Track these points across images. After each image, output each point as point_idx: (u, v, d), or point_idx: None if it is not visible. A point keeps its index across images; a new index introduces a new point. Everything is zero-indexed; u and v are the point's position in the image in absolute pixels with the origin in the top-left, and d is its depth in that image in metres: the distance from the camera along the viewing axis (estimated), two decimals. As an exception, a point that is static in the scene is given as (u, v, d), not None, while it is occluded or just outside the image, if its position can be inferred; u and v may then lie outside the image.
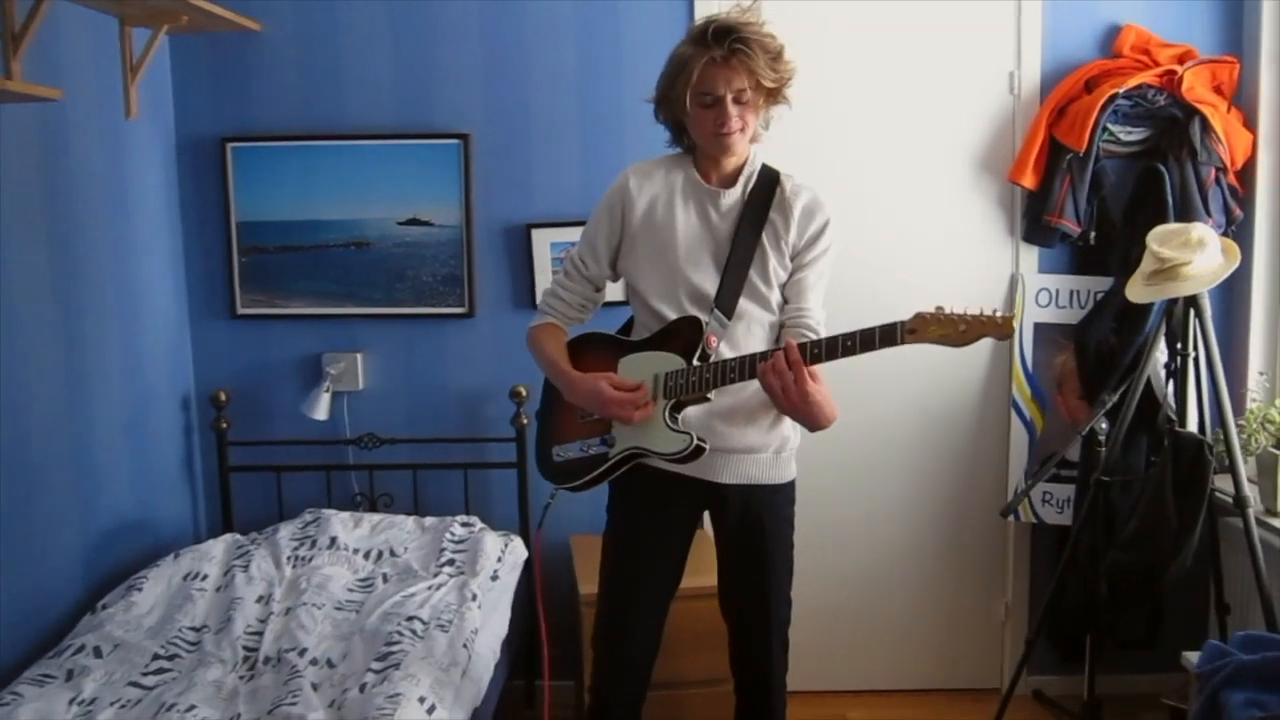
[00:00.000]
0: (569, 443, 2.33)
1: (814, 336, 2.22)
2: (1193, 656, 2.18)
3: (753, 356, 2.09)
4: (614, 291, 2.48)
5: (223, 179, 3.38)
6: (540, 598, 2.68)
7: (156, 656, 2.50)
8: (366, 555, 3.10)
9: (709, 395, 2.16)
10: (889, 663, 3.59)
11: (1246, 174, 3.23)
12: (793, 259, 2.27)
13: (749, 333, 2.25)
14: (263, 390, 3.48)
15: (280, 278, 3.43)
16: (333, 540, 3.12)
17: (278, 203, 3.39)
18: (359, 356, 3.44)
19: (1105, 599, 3.07)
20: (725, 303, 2.21)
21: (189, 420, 3.45)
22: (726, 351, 2.21)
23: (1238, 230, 3.18)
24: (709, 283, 2.23)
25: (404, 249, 3.40)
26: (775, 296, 2.27)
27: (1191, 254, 2.65)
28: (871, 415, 3.42)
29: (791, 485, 2.36)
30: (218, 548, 3.09)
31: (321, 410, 3.38)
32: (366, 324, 3.45)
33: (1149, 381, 2.94)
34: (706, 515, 2.41)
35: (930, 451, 3.48)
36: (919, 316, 1.93)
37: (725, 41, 2.08)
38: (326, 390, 3.39)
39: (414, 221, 3.40)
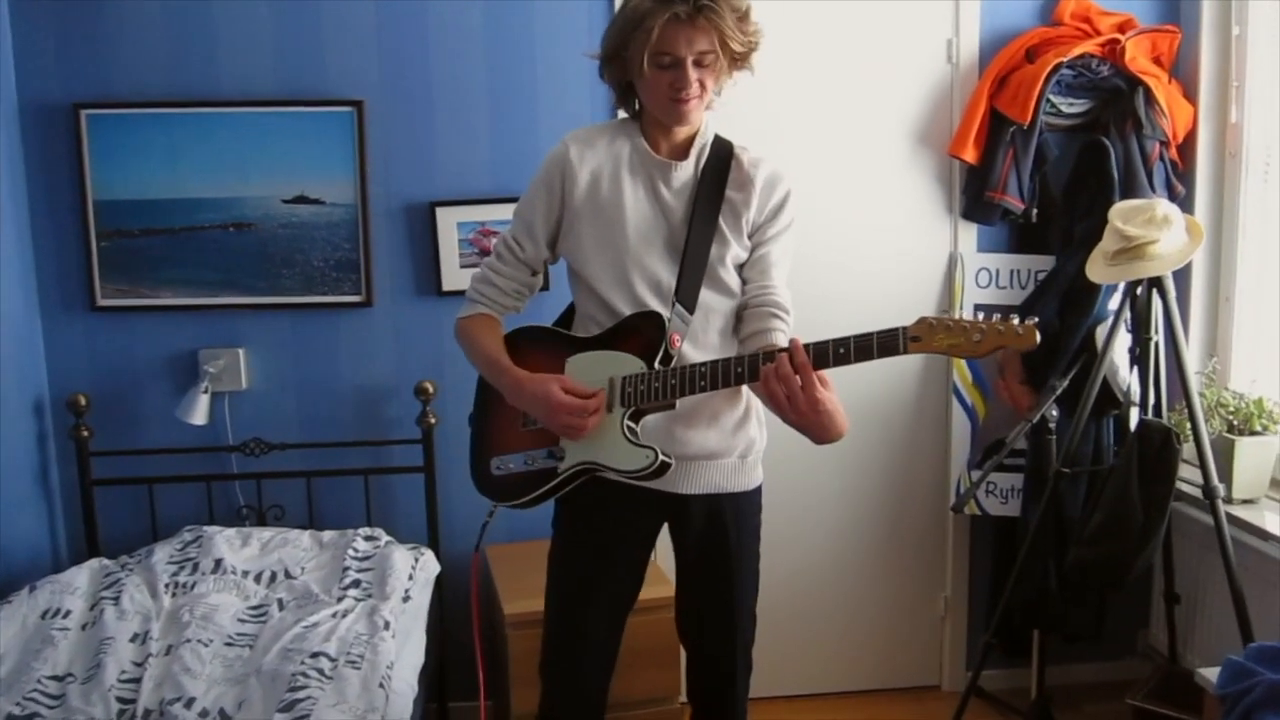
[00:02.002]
0: (510, 454, 2.03)
1: (784, 318, 2.00)
2: (1210, 674, 2.02)
3: (726, 362, 1.84)
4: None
5: (76, 151, 2.96)
6: (476, 623, 2.36)
7: (11, 717, 2.11)
8: (258, 578, 2.75)
9: (674, 404, 1.89)
10: (826, 665, 3.41)
11: (1186, 149, 3.13)
12: (752, 235, 2.02)
13: (708, 325, 2.00)
14: (129, 393, 3.08)
15: (147, 264, 3.02)
16: (218, 563, 2.75)
17: (143, 179, 2.99)
18: (241, 352, 3.07)
19: (1056, 593, 2.95)
20: (686, 296, 1.95)
21: (43, 428, 3.03)
22: (689, 350, 1.96)
23: (1179, 207, 3.06)
24: (666, 271, 1.97)
25: (290, 230, 3.04)
26: (735, 281, 2.02)
27: (1158, 232, 2.51)
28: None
29: (758, 492, 2.12)
30: (81, 577, 2.69)
31: (199, 414, 3.00)
32: (249, 316, 3.08)
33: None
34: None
35: (867, 440, 3.30)
36: (924, 322, 1.69)
37: None
38: (204, 391, 3.00)
39: (301, 199, 3.03)
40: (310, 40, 3.00)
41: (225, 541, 2.85)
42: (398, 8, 3.01)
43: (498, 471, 2.04)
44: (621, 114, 2.09)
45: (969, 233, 3.24)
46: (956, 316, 1.69)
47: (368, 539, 2.91)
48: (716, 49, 1.86)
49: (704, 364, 1.85)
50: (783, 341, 1.99)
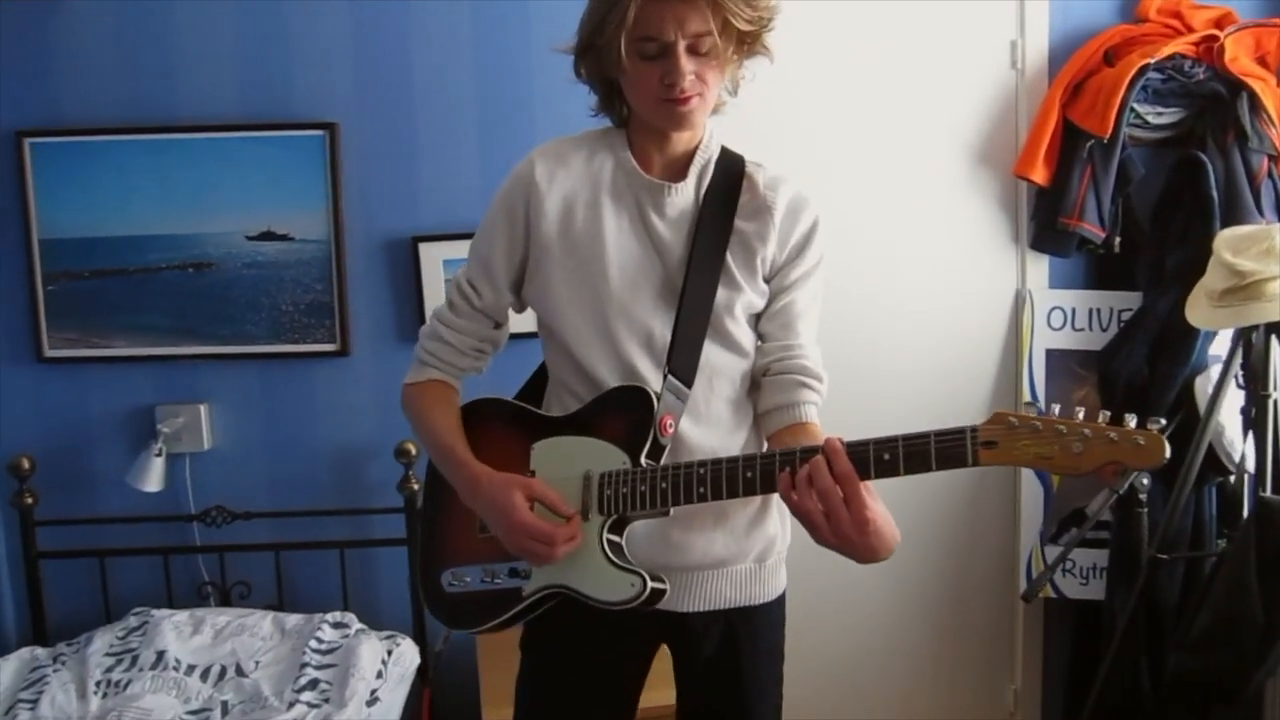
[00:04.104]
0: (465, 565, 1.61)
1: (815, 387, 1.58)
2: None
3: (734, 464, 1.42)
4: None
5: (19, 184, 2.64)
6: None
7: None
8: (205, 674, 2.38)
9: (668, 510, 1.48)
10: (877, 766, 2.94)
11: (1300, 163, 2.65)
12: (771, 278, 1.60)
13: (713, 393, 1.57)
14: (80, 454, 2.74)
15: (98, 310, 2.69)
16: (160, 655, 2.40)
17: (93, 214, 2.66)
18: (203, 409, 2.72)
19: (1150, 696, 2.47)
20: (683, 360, 1.53)
21: (-18, 495, 2.71)
22: (690, 429, 1.54)
23: (1294, 233, 2.59)
24: (658, 325, 1.55)
25: (256, 271, 2.68)
26: (748, 337, 1.60)
27: (1278, 266, 2.04)
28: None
29: (780, 602, 1.68)
30: (6, 671, 2.37)
31: (152, 479, 2.65)
32: (211, 367, 2.73)
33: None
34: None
35: (921, 509, 2.85)
36: (1002, 422, 1.27)
37: None
38: (158, 453, 2.65)
39: (268, 235, 2.68)
40: (277, 56, 2.66)
41: (173, 628, 2.49)
42: (375, 18, 2.66)
43: (451, 588, 1.62)
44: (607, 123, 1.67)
45: (1039, 266, 2.81)
46: (1049, 414, 1.25)
47: (336, 626, 2.53)
48: (715, 30, 1.44)
49: (704, 465, 1.43)
50: (815, 418, 1.57)
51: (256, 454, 2.77)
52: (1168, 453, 1.18)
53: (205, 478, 2.75)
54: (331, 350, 2.72)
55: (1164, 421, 1.19)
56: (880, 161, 2.79)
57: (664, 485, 1.44)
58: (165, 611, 2.56)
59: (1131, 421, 1.20)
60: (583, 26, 1.53)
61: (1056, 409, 1.25)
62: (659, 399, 1.50)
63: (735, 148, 1.64)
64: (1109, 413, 1.21)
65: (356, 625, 2.55)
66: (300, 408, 2.75)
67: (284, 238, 2.68)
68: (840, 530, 1.32)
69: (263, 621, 2.55)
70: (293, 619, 2.56)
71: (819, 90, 2.74)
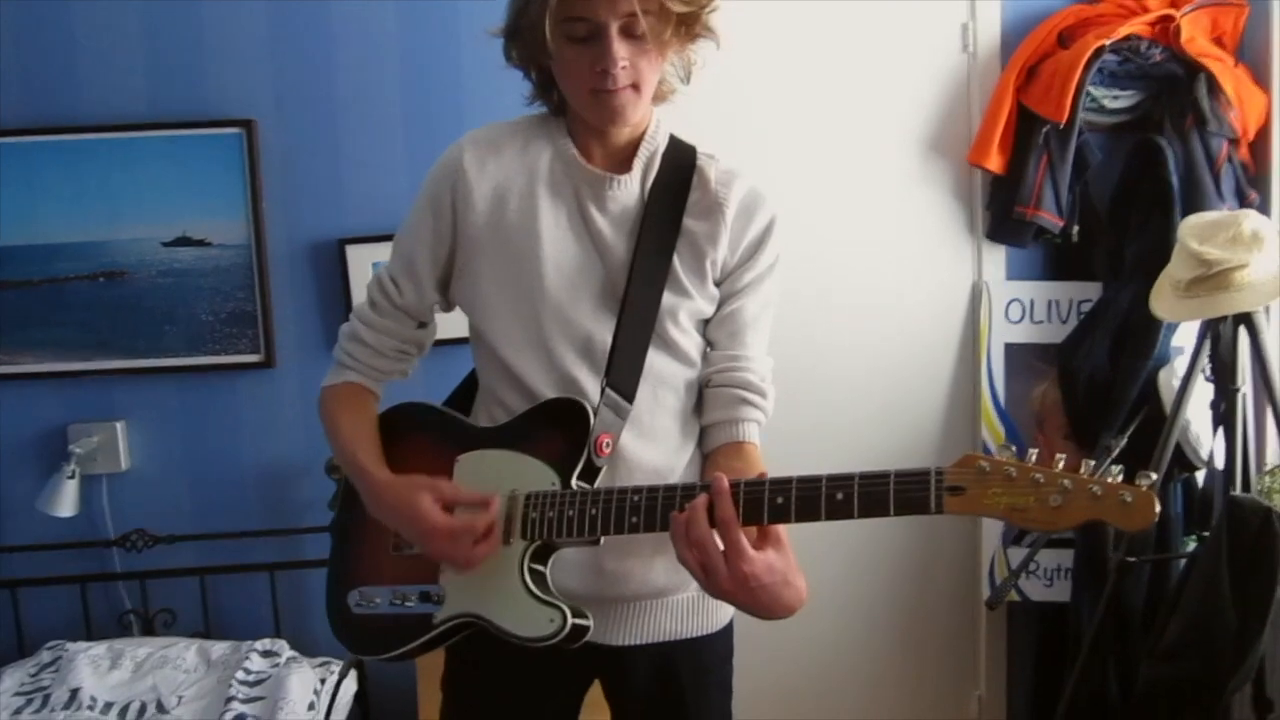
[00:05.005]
0: (374, 586, 1.47)
1: (758, 404, 1.45)
2: None
3: (673, 491, 1.28)
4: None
5: (-88, 192, 2.47)
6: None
7: None
8: (123, 713, 2.24)
9: (598, 540, 1.34)
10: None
11: (1259, 146, 2.57)
12: (721, 282, 1.47)
13: (657, 404, 1.44)
14: (-12, 478, 2.58)
15: (3, 325, 2.54)
16: (73, 694, 2.24)
17: (-8, 222, 2.51)
18: (119, 427, 2.57)
19: (1118, 703, 2.38)
20: (624, 372, 1.39)
21: (-121, 525, 2.53)
22: (632, 444, 1.41)
23: (1256, 218, 2.51)
24: (598, 331, 1.42)
25: (173, 279, 2.53)
26: (695, 344, 1.47)
27: (1247, 254, 1.95)
28: (806, 465, 2.63)
29: (728, 632, 1.56)
30: (-96, 716, 2.18)
31: (65, 504, 2.49)
32: (127, 382, 2.58)
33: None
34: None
35: (879, 512, 2.73)
36: (971, 465, 1.14)
37: None
38: (70, 476, 2.49)
39: (184, 241, 2.53)
40: (189, 50, 2.51)
41: (90, 663, 2.34)
42: (294, 7, 2.51)
43: (358, 609, 1.48)
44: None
45: (996, 257, 2.70)
46: (1024, 461, 1.12)
47: (265, 654, 2.39)
48: (651, 9, 1.31)
49: (639, 491, 1.29)
50: (755, 437, 1.45)
51: (178, 473, 2.62)
52: (1157, 512, 1.06)
53: (124, 500, 2.60)
54: (255, 361, 2.57)
55: (1154, 476, 1.08)
56: (828, 152, 2.67)
57: (594, 512, 1.31)
58: (81, 645, 2.41)
59: (1119, 475, 1.08)
60: (511, 4, 1.40)
61: (1034, 455, 1.12)
62: (596, 414, 1.37)
63: (682, 136, 1.51)
64: (1092, 462, 1.09)
65: (288, 653, 2.41)
66: (223, 423, 2.61)
67: (201, 243, 2.53)
68: (717, 584, 1.20)
69: (186, 652, 2.40)
70: (219, 648, 2.42)
71: (763, 78, 2.62)
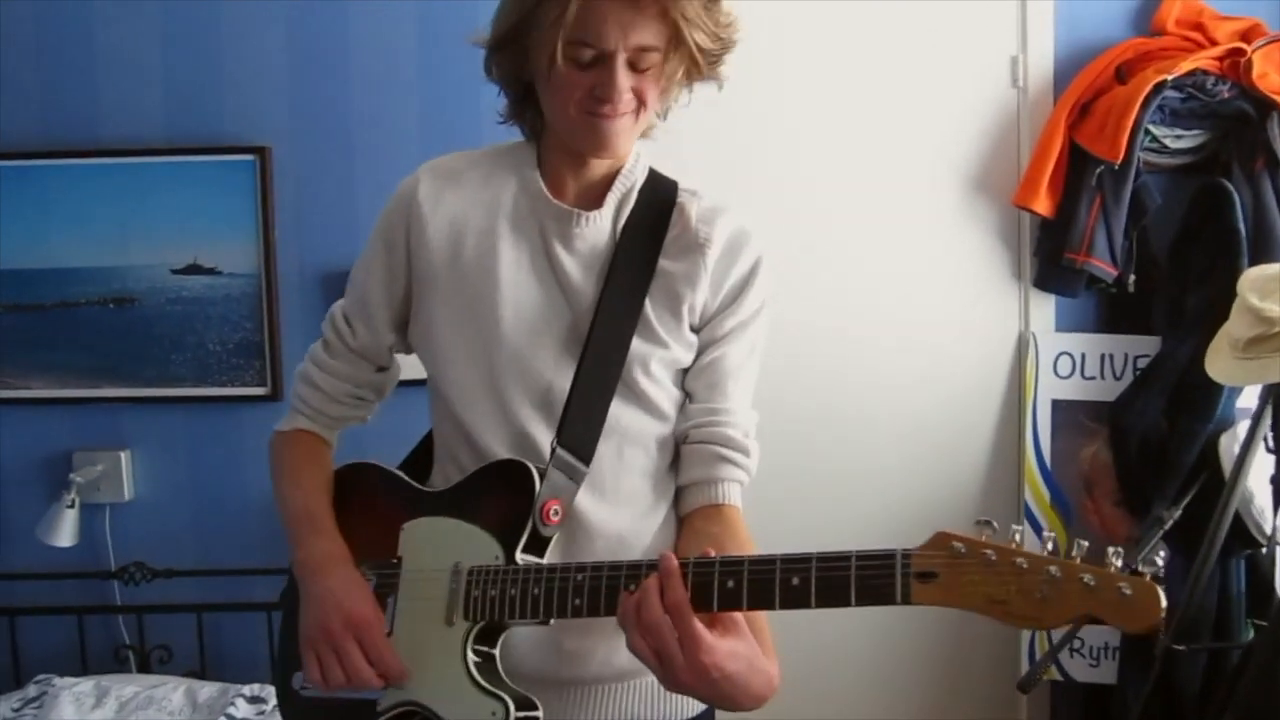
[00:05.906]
0: None
1: (740, 463, 1.31)
2: None
3: (617, 569, 1.14)
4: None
5: (-71, 213, 2.49)
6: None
7: None
8: (100, 754, 2.14)
9: (547, 620, 1.20)
10: None
11: (1339, 192, 2.37)
12: (701, 328, 1.33)
13: (621, 463, 1.30)
14: (-11, 503, 2.57)
15: (13, 348, 2.54)
16: (53, 732, 2.16)
17: (6, 245, 2.52)
18: (123, 456, 2.54)
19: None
20: (579, 429, 1.26)
21: (-118, 547, 2.54)
22: (592, 508, 1.28)
23: (1333, 271, 2.31)
24: (559, 383, 1.29)
25: (182, 307, 2.51)
26: (668, 396, 1.33)
27: (1312, 312, 1.76)
28: (833, 518, 2.47)
29: (706, 718, 1.40)
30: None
31: (64, 534, 2.46)
32: (133, 411, 2.56)
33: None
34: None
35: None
36: (943, 545, 0.97)
37: None
38: (70, 505, 2.46)
39: (194, 269, 2.51)
40: (207, 75, 2.51)
41: (73, 700, 2.28)
42: (312, 33, 2.49)
43: (304, 691, 1.36)
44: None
45: (1044, 306, 2.55)
46: (1007, 542, 0.95)
47: (251, 700, 2.31)
48: (664, 46, 1.19)
49: (583, 569, 1.15)
50: (736, 499, 1.31)
51: (180, 506, 2.58)
52: (1163, 608, 0.89)
53: (125, 531, 2.57)
54: (261, 394, 2.52)
55: (1160, 563, 0.90)
56: (867, 189, 2.55)
57: (536, 592, 1.17)
58: (68, 680, 2.36)
59: (1117, 562, 0.91)
60: (502, 16, 1.28)
61: (1018, 535, 0.95)
62: (543, 478, 1.24)
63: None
64: (1085, 543, 0.92)
65: (275, 700, 2.30)
66: (228, 456, 2.56)
67: (211, 271, 2.50)
68: (674, 677, 1.05)
69: (174, 693, 2.32)
70: (207, 690, 2.34)
71: (803, 111, 2.52)
